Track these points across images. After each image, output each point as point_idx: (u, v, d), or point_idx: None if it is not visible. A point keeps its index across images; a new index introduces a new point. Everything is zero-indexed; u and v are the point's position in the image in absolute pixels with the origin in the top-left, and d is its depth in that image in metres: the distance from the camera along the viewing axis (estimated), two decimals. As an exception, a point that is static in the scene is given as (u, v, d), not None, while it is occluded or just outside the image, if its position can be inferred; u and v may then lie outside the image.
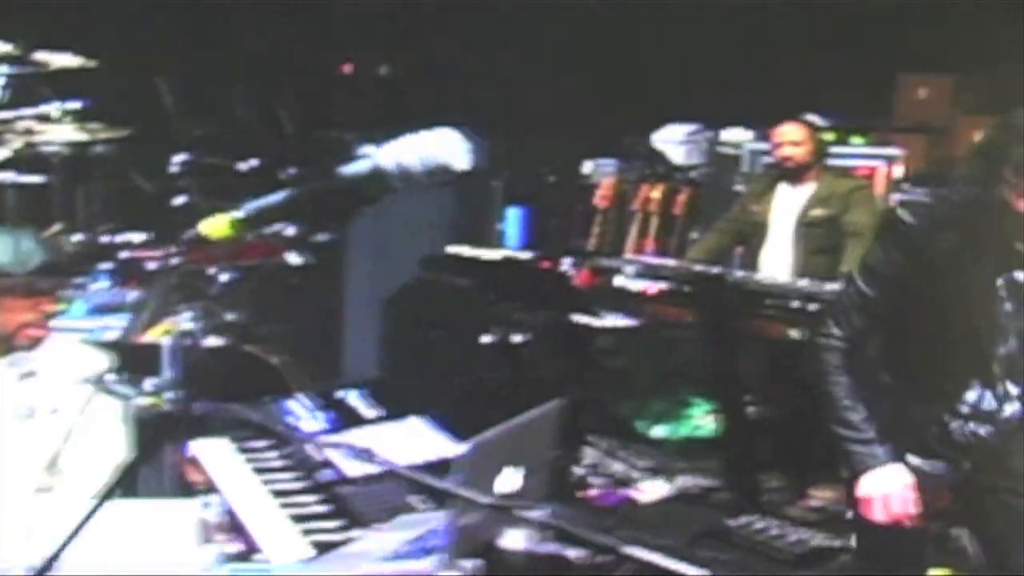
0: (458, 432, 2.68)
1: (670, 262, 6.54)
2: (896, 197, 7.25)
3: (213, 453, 3.40)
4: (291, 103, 8.38)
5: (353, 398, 4.07)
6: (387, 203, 6.90)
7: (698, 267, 6.17)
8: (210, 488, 3.14)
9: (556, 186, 9.32)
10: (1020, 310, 3.40)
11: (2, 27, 6.18)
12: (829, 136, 7.05)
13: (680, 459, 6.69)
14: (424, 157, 1.91)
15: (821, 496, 6.07)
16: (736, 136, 8.25)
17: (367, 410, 3.97)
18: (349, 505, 3.10)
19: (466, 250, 7.04)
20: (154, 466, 2.94)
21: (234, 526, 2.94)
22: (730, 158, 8.13)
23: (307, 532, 2.94)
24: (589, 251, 7.55)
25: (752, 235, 6.62)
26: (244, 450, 3.46)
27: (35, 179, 6.17)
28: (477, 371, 6.09)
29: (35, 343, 3.71)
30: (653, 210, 7.79)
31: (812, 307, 5.53)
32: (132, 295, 5.10)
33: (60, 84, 5.99)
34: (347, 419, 3.86)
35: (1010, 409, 3.46)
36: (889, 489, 3.50)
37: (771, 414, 6.49)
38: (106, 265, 5.39)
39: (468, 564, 2.35)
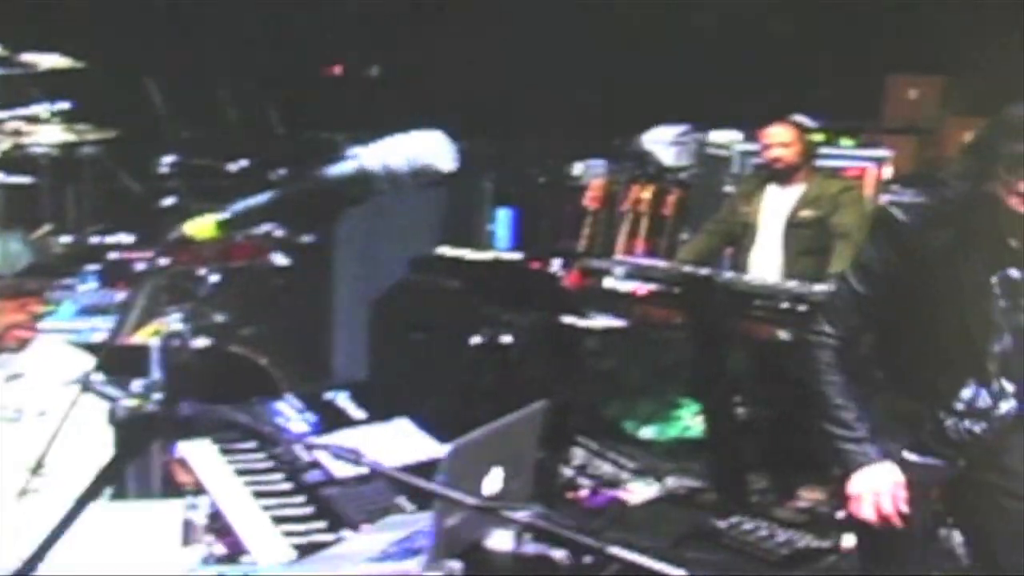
0: (447, 434, 2.68)
1: (659, 263, 6.55)
2: (885, 198, 7.25)
3: (200, 454, 3.40)
4: (281, 104, 8.37)
5: (342, 399, 4.07)
6: (377, 205, 6.94)
7: (687, 268, 6.17)
8: (198, 489, 3.14)
9: (546, 187, 9.32)
10: (1015, 307, 3.40)
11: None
12: (818, 137, 7.05)
13: (669, 460, 6.74)
14: (409, 158, 1.91)
15: (809, 497, 6.09)
16: (725, 137, 8.26)
17: (355, 411, 3.97)
18: (336, 506, 3.10)
19: (455, 251, 7.04)
20: (142, 467, 2.94)
21: (222, 527, 2.94)
22: (719, 159, 8.14)
23: (293, 534, 2.93)
24: (578, 252, 7.54)
25: (741, 236, 6.62)
26: (231, 451, 3.46)
27: (23, 180, 6.17)
28: (466, 372, 6.09)
29: (23, 345, 3.71)
30: (643, 211, 7.79)
31: (801, 308, 5.54)
32: (120, 296, 5.09)
33: (49, 85, 5.98)
34: (335, 420, 3.85)
35: (1006, 406, 3.47)
36: (880, 487, 3.50)
37: (760, 415, 6.50)
38: (94, 266, 5.38)
39: (453, 565, 2.35)
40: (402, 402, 4.05)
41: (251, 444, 3.50)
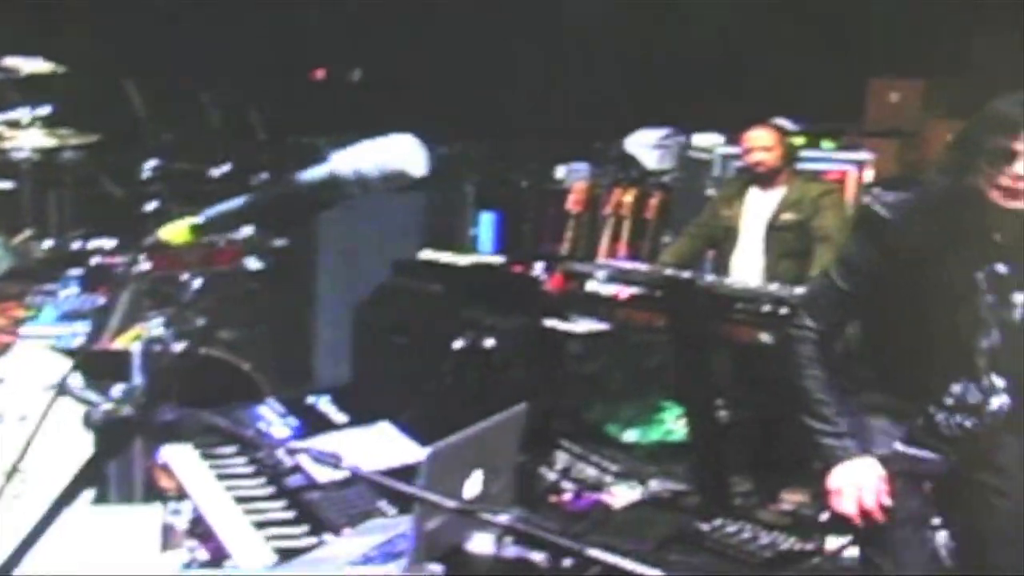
0: (429, 438, 2.68)
1: (641, 266, 6.56)
2: (866, 200, 7.26)
3: (182, 459, 3.39)
4: (263, 108, 8.36)
5: (324, 403, 4.06)
6: (360, 209, 6.93)
7: (669, 271, 6.18)
8: (181, 495, 3.14)
9: (529, 191, 9.33)
10: (1002, 302, 3.41)
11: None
12: (799, 140, 7.08)
13: (652, 463, 6.75)
14: (380, 163, 1.91)
15: (792, 500, 6.10)
16: (707, 141, 8.27)
17: (337, 415, 3.96)
18: (318, 510, 3.10)
19: (438, 255, 7.05)
20: (125, 473, 2.94)
21: (204, 532, 2.93)
22: (701, 163, 8.15)
23: (274, 538, 2.93)
24: (561, 255, 7.54)
25: (723, 239, 6.65)
26: (212, 456, 3.45)
27: (4, 185, 6.15)
28: (449, 376, 6.09)
29: (3, 349, 3.70)
30: (625, 214, 7.80)
31: (782, 311, 5.55)
32: (102, 301, 5.08)
33: (29, 89, 5.97)
34: (317, 424, 3.85)
35: (997, 402, 3.47)
36: (860, 481, 3.50)
37: (742, 418, 6.51)
38: (76, 271, 5.37)
39: (433, 568, 2.36)
40: (384, 406, 4.04)
41: (233, 449, 3.49)
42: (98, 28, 8.24)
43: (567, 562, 2.20)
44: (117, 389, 2.01)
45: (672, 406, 7.18)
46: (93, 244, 5.70)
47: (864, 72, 8.86)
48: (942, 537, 4.46)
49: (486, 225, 9.27)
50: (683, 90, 8.87)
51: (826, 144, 7.80)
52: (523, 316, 6.40)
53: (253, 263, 5.48)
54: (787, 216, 6.36)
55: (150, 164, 6.20)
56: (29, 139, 5.85)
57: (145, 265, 5.18)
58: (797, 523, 5.93)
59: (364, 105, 9.48)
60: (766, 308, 5.65)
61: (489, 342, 6.21)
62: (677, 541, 5.75)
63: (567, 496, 6.32)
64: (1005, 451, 3.55)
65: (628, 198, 7.86)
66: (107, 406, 1.77)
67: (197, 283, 5.72)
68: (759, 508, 6.11)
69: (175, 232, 1.89)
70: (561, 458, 6.63)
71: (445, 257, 7.04)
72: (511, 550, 2.42)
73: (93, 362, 3.21)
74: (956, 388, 3.48)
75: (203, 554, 2.84)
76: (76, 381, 2.07)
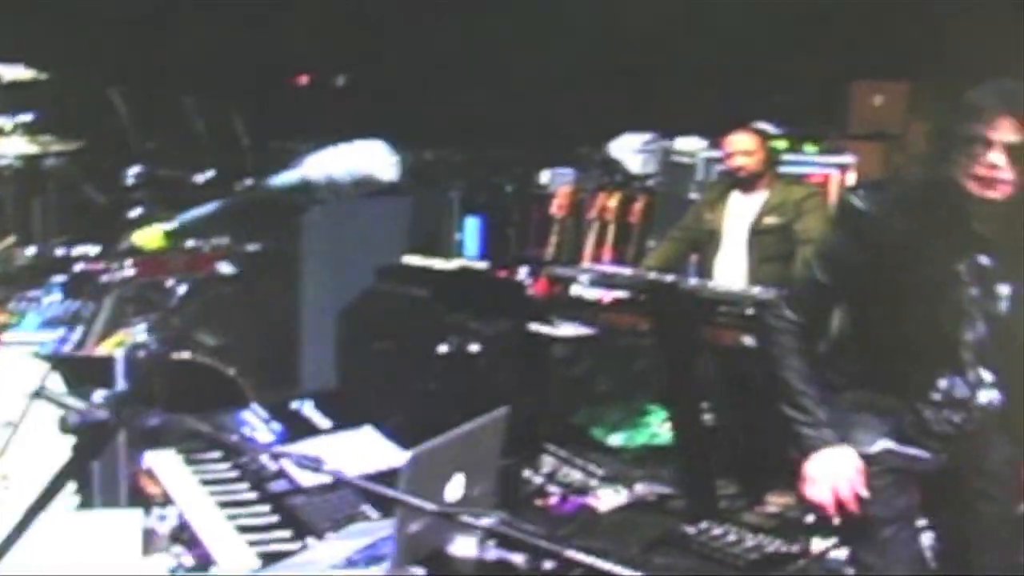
0: (414, 443, 2.69)
1: (625, 270, 6.58)
2: (847, 194, 7.29)
3: (166, 464, 3.39)
4: (247, 114, 8.36)
5: (308, 409, 4.06)
6: (344, 214, 6.93)
7: (652, 275, 6.19)
8: (167, 500, 3.13)
9: (513, 196, 9.34)
10: (987, 294, 3.40)
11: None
12: (781, 144, 7.10)
13: (637, 467, 6.76)
14: (351, 168, 1.93)
15: (778, 502, 6.12)
16: (690, 145, 8.30)
17: (321, 420, 3.96)
18: (302, 515, 3.09)
19: (422, 260, 7.05)
20: (109, 478, 2.94)
21: (191, 538, 2.93)
22: (684, 167, 8.17)
23: (258, 542, 2.93)
24: (545, 260, 7.55)
25: (706, 243, 6.66)
26: (196, 461, 3.45)
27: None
28: (434, 381, 6.09)
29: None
30: (609, 219, 7.82)
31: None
32: (86, 307, 5.07)
33: (11, 97, 5.96)
34: (301, 429, 3.85)
35: (985, 396, 3.46)
36: (836, 470, 3.48)
37: (727, 421, 6.53)
38: (59, 278, 5.36)
39: (416, 571, 2.36)
40: (369, 411, 4.04)
41: (216, 454, 3.49)
42: (80, 35, 8.23)
43: (549, 565, 2.21)
44: (99, 394, 2.02)
45: (657, 410, 7.19)
46: (77, 251, 5.69)
47: (848, 75, 8.89)
48: (927, 538, 4.47)
49: (471, 230, 9.28)
50: (667, 94, 8.90)
51: (808, 147, 7.83)
52: (508, 321, 6.40)
53: (226, 267, 5.48)
54: (770, 219, 6.38)
55: (134, 171, 6.19)
56: (11, 146, 5.84)
57: (129, 271, 5.18)
58: (783, 526, 5.95)
59: (348, 111, 9.49)
60: (749, 311, 5.66)
61: (474, 347, 6.22)
62: (663, 544, 5.76)
63: (553, 500, 6.32)
64: (994, 455, 3.55)
65: (612, 202, 7.88)
66: (82, 410, 1.78)
67: (182, 289, 5.73)
68: (745, 511, 6.13)
69: (149, 237, 1.90)
70: (547, 462, 6.64)
71: (430, 262, 7.05)
72: (493, 553, 2.43)
73: (76, 368, 3.20)
74: (943, 383, 3.46)
75: (189, 560, 2.84)
76: (55, 385, 2.08)
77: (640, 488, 6.43)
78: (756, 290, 5.86)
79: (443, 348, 6.14)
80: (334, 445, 3.62)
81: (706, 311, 5.83)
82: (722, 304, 5.78)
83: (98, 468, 2.93)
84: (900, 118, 8.64)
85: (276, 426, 3.85)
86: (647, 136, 8.82)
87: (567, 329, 6.49)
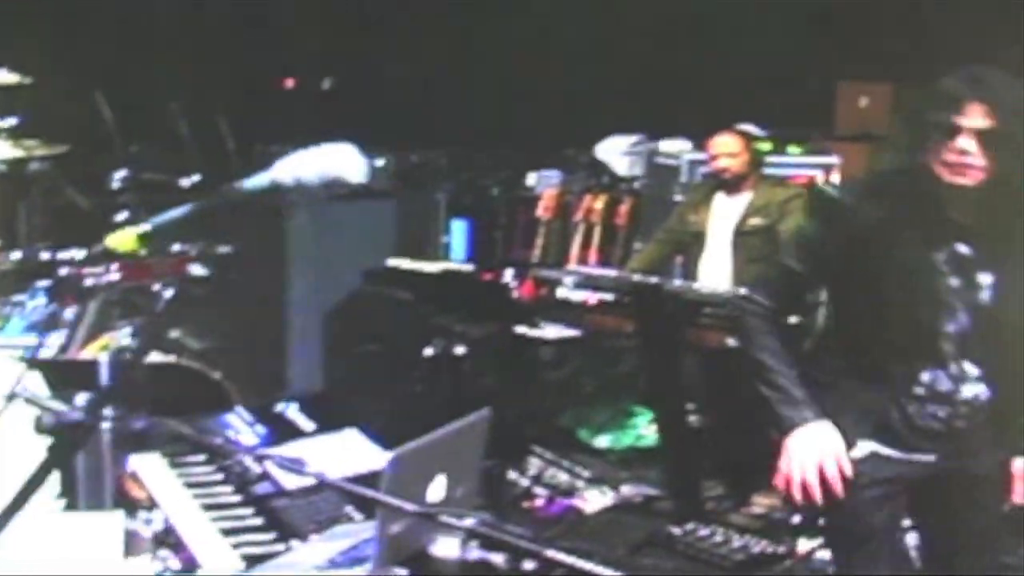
0: (400, 445, 2.70)
1: (610, 272, 6.59)
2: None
3: (150, 468, 3.40)
4: (232, 118, 8.36)
5: (292, 411, 4.06)
6: (331, 218, 6.92)
7: (636, 277, 6.21)
8: (153, 504, 3.14)
9: (500, 198, 9.35)
10: (968, 284, 3.36)
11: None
12: (766, 146, 7.11)
13: (624, 469, 6.77)
14: (319, 171, 1.95)
15: (764, 503, 6.13)
16: (675, 147, 8.32)
17: (305, 423, 3.97)
18: (286, 517, 3.10)
19: (407, 263, 7.06)
20: (95, 483, 2.94)
21: (177, 542, 2.94)
22: (669, 169, 8.19)
23: (242, 544, 2.94)
24: (531, 263, 7.56)
25: (691, 245, 6.67)
26: (180, 464, 3.45)
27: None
28: (420, 384, 6.10)
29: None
30: (595, 221, 7.83)
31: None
32: (70, 311, 5.08)
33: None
34: (285, 432, 3.85)
35: (970, 390, 3.40)
36: (817, 447, 3.42)
37: (713, 422, 6.54)
38: (44, 282, 5.36)
39: (399, 572, 2.37)
40: (355, 414, 4.04)
41: (201, 457, 3.49)
42: (65, 39, 8.22)
43: (531, 565, 2.21)
44: (80, 397, 2.02)
45: (644, 411, 7.20)
46: (61, 255, 5.69)
47: (834, 76, 8.92)
48: (913, 539, 4.46)
49: (458, 233, 9.29)
50: (654, 96, 8.92)
51: (793, 149, 7.85)
52: (494, 323, 6.41)
53: (198, 269, 5.49)
54: (754, 221, 6.39)
55: (119, 175, 6.19)
56: (-4, 150, 5.83)
57: (114, 275, 5.18)
58: (769, 526, 5.96)
59: (334, 114, 9.50)
60: (735, 312, 5.67)
61: (460, 349, 6.23)
62: (649, 545, 5.77)
63: (539, 502, 6.33)
64: (985, 456, 3.49)
65: (598, 204, 7.89)
66: (57, 411, 1.78)
67: (164, 292, 5.73)
68: (731, 512, 6.14)
69: (122, 240, 1.91)
70: (533, 464, 6.64)
71: (415, 265, 7.05)
72: (476, 553, 2.44)
73: (59, 371, 3.20)
74: (925, 376, 3.40)
75: (175, 564, 2.84)
76: (34, 387, 2.08)
77: (626, 490, 6.44)
78: (741, 291, 5.87)
79: (429, 351, 6.14)
80: (318, 448, 3.63)
81: (691, 313, 5.84)
82: (707, 306, 5.79)
83: (83, 472, 2.94)
84: (885, 119, 8.65)
85: (260, 429, 3.85)
86: (634, 138, 8.83)
87: (553, 331, 6.50)
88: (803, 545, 5.59)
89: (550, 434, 7.01)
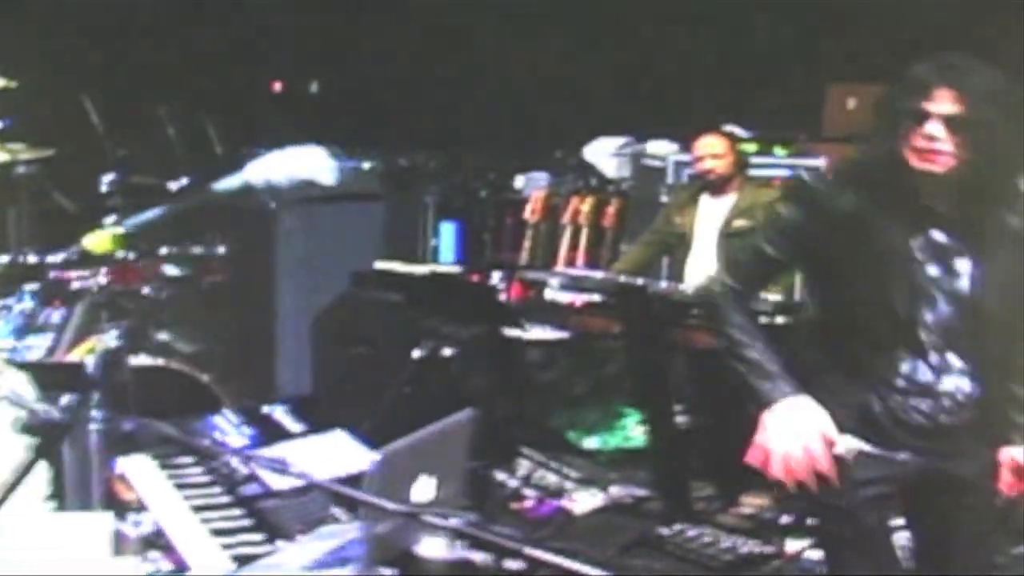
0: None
1: (596, 274, 6.59)
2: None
3: (139, 469, 3.40)
4: (220, 121, 8.37)
5: (280, 413, 4.08)
6: (320, 220, 6.93)
7: (622, 279, 6.21)
8: (142, 506, 3.15)
9: (488, 201, 9.36)
10: (948, 272, 3.33)
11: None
12: (751, 147, 7.13)
13: (613, 469, 6.78)
14: (290, 173, 1.97)
15: (753, 504, 6.14)
16: (661, 148, 8.33)
17: (293, 425, 3.98)
18: (274, 518, 3.11)
19: (395, 265, 7.06)
20: (83, 485, 2.95)
21: (167, 544, 2.94)
22: (655, 170, 8.21)
23: (230, 546, 2.95)
24: (518, 264, 7.57)
25: (676, 246, 6.69)
26: (169, 466, 3.47)
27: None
28: (408, 386, 6.10)
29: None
30: (583, 223, 7.83)
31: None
32: (57, 314, 5.08)
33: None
34: (273, 434, 3.86)
35: (951, 383, 3.36)
36: (797, 423, 3.36)
37: (701, 423, 6.56)
38: (31, 285, 5.36)
39: (385, 572, 2.38)
40: (343, 416, 4.05)
41: (189, 459, 3.51)
42: (52, 42, 8.22)
43: (517, 565, 2.23)
44: (67, 399, 2.03)
45: (632, 412, 7.21)
46: (49, 259, 5.69)
47: (822, 78, 8.93)
48: (903, 538, 4.47)
49: (447, 235, 9.29)
50: (643, 97, 8.94)
51: (779, 150, 7.86)
52: (482, 325, 6.42)
53: (171, 270, 5.50)
54: (739, 223, 6.39)
55: (107, 178, 6.19)
56: (-18, 155, 5.83)
57: (102, 278, 5.18)
58: (758, 527, 5.97)
59: (322, 117, 9.51)
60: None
61: (448, 351, 6.23)
62: (639, 546, 5.78)
63: (529, 503, 6.34)
64: (973, 459, 3.46)
65: (586, 207, 7.90)
66: (35, 410, 1.79)
67: (152, 295, 5.74)
68: (720, 512, 6.15)
69: (98, 241, 1.93)
70: (522, 465, 6.65)
71: (403, 267, 7.06)
72: (462, 553, 2.45)
73: (46, 373, 3.21)
74: (904, 367, 3.36)
75: (166, 565, 2.85)
76: (29, 394, 2.09)
77: (615, 491, 6.44)
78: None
79: (417, 353, 6.15)
80: (305, 449, 3.64)
81: (677, 314, 5.85)
82: (693, 307, 5.80)
83: (72, 474, 2.95)
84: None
85: (248, 430, 3.87)
86: (622, 140, 8.84)
87: (541, 333, 6.51)
88: (792, 545, 5.60)
89: (539, 435, 7.02)
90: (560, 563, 1.90)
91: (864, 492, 3.46)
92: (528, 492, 6.43)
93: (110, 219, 5.98)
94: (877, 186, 3.34)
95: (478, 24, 9.84)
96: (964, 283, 3.34)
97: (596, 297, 6.19)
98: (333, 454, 3.56)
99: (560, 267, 7.35)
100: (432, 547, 2.49)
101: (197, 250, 5.89)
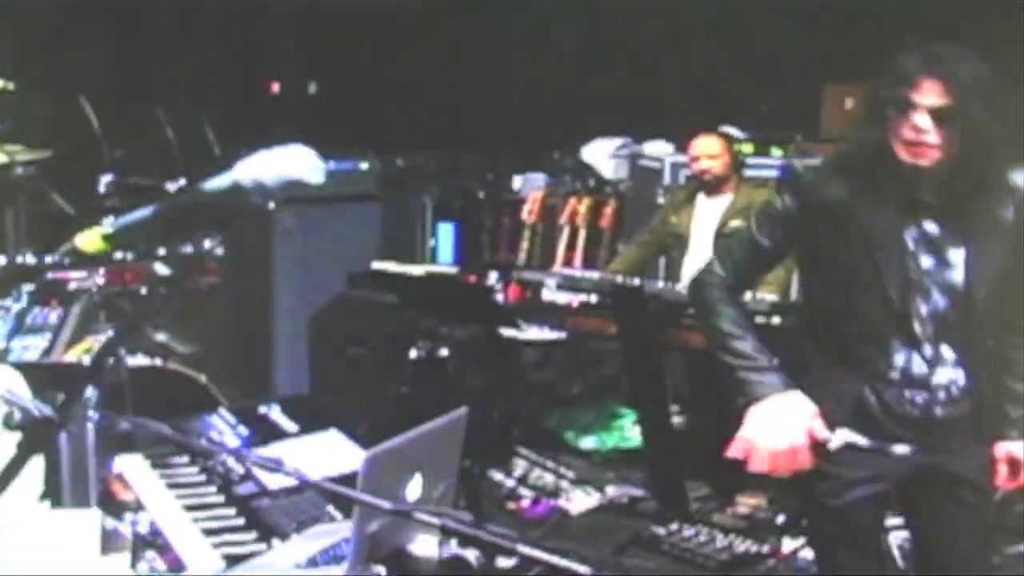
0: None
1: (592, 274, 6.60)
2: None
3: (133, 469, 3.42)
4: (218, 122, 8.38)
5: (275, 413, 4.09)
6: (317, 221, 6.93)
7: (618, 279, 6.23)
8: (139, 506, 3.16)
9: (486, 202, 9.37)
10: (942, 264, 3.32)
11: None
12: (748, 148, 7.14)
13: (609, 469, 6.80)
14: (278, 172, 1.98)
15: (748, 503, 6.16)
16: (658, 149, 8.34)
17: (289, 424, 3.99)
18: (267, 517, 3.13)
19: (391, 266, 7.07)
20: (80, 484, 2.96)
21: (164, 544, 2.95)
22: (652, 171, 8.22)
23: (224, 544, 2.96)
24: (516, 265, 7.58)
25: (673, 246, 6.70)
26: (164, 465, 3.48)
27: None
28: (405, 386, 6.11)
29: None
30: (580, 224, 7.84)
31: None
32: (54, 315, 5.09)
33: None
34: (268, 433, 3.87)
35: (945, 375, 3.35)
36: (783, 417, 3.37)
37: (697, 423, 6.57)
38: (28, 286, 5.37)
39: (377, 570, 2.39)
40: (340, 416, 4.07)
41: (184, 458, 3.52)
42: (50, 44, 8.22)
43: (510, 563, 2.24)
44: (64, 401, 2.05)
45: (628, 412, 7.23)
46: (47, 259, 5.70)
47: (819, 78, 8.93)
48: (899, 537, 4.48)
49: (445, 236, 9.30)
50: (639, 99, 8.94)
51: (775, 151, 7.87)
52: (478, 325, 6.43)
53: (162, 269, 5.49)
54: (735, 223, 6.38)
55: (105, 179, 6.20)
56: (-20, 157, 5.84)
57: (99, 279, 5.20)
58: (753, 526, 5.99)
59: (320, 118, 9.51)
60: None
61: (445, 352, 6.24)
62: (634, 546, 5.80)
63: (525, 503, 6.36)
64: (969, 456, 3.45)
65: (583, 207, 7.91)
66: (25, 407, 1.81)
67: (149, 296, 5.73)
68: (715, 512, 6.17)
69: (88, 241, 1.94)
70: (519, 465, 6.67)
71: (399, 268, 7.07)
72: (453, 551, 2.46)
73: (42, 373, 3.23)
74: (898, 359, 3.35)
75: (161, 565, 2.86)
76: (26, 394, 2.10)
77: (611, 490, 6.46)
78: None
79: (414, 353, 6.16)
80: (300, 448, 3.65)
81: (673, 314, 5.86)
82: (689, 306, 5.80)
83: (68, 474, 2.96)
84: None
85: (243, 430, 3.88)
86: (619, 141, 8.85)
87: (538, 333, 6.52)
88: (787, 545, 5.61)
89: (535, 435, 7.04)
90: (551, 560, 1.91)
91: (857, 491, 3.45)
92: (524, 492, 6.45)
93: (108, 220, 6.02)
94: (867, 177, 3.33)
95: (476, 25, 9.84)
96: (958, 274, 3.33)
97: (593, 298, 6.19)
98: (328, 453, 3.57)
99: (558, 268, 7.37)
100: (424, 545, 2.50)
101: (187, 249, 5.89)
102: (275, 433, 3.88)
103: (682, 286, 6.25)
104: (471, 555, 2.38)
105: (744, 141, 6.96)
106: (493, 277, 6.62)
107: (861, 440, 3.42)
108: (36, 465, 2.69)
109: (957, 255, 3.33)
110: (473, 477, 5.64)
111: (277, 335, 7.85)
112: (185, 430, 3.80)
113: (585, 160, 8.94)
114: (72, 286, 5.24)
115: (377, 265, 7.10)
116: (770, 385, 3.41)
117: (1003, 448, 3.49)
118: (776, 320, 5.48)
